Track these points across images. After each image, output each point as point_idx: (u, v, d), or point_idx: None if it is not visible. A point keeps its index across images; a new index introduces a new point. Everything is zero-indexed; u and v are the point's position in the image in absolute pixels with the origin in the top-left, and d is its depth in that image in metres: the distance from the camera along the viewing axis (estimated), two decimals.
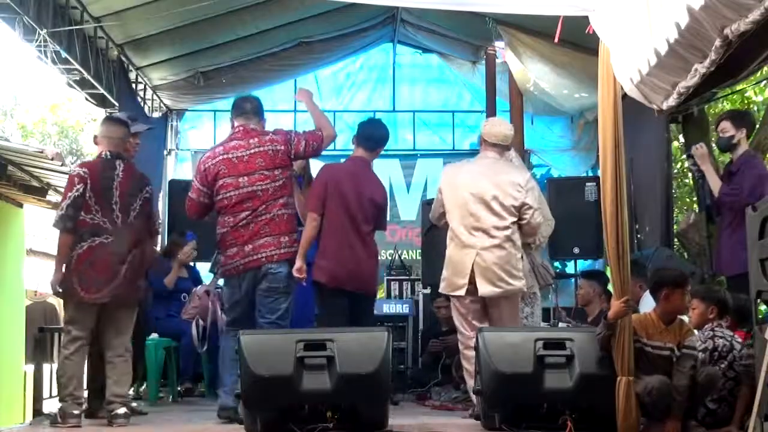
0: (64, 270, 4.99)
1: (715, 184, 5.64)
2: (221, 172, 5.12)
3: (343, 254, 5.46)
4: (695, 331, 4.62)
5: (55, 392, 6.18)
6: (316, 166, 6.05)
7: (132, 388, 6.15)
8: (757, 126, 7.37)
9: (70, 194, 4.97)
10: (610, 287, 6.56)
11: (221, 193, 5.13)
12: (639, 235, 8.12)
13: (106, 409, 4.99)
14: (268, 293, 5.08)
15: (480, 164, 5.46)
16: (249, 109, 5.30)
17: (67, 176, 7.02)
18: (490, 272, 5.20)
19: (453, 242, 5.35)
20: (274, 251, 5.06)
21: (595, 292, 6.50)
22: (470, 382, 5.24)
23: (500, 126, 5.60)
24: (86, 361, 5.20)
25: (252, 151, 5.14)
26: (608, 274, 7.12)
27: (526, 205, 5.30)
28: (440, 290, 5.57)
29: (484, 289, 5.20)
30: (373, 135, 5.78)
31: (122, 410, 4.92)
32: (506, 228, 5.25)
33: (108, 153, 5.14)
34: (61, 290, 5.01)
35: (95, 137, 5.32)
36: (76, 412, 4.92)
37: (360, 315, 5.49)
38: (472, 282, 5.21)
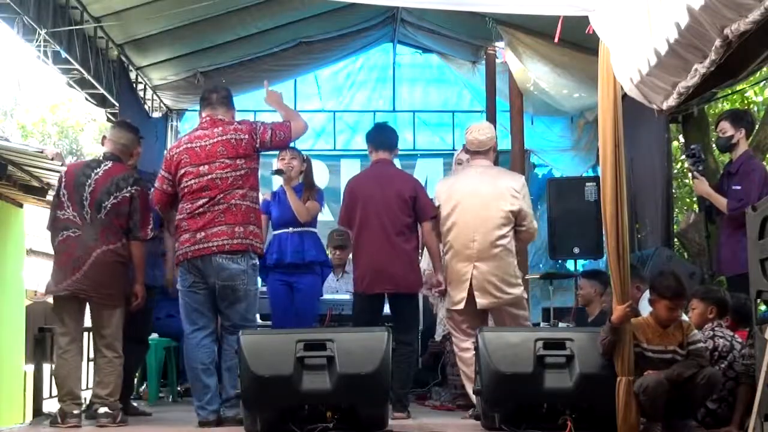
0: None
1: (720, 203, 5.64)
2: (183, 161, 5.06)
3: (369, 259, 5.46)
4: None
5: (55, 392, 6.20)
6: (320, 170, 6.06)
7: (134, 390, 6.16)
8: (757, 126, 7.38)
9: (53, 194, 5.24)
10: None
11: (183, 182, 5.06)
12: (639, 235, 8.13)
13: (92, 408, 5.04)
14: (225, 292, 4.96)
15: (473, 174, 5.44)
16: (215, 100, 5.21)
17: None
18: (487, 284, 5.21)
19: (449, 254, 5.33)
20: (226, 241, 4.93)
21: (596, 292, 6.50)
22: (468, 385, 5.27)
23: (475, 132, 5.51)
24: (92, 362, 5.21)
25: (215, 140, 5.06)
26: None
27: (523, 211, 5.29)
28: (445, 306, 5.55)
29: (483, 300, 5.21)
30: (386, 137, 5.78)
31: (102, 410, 4.91)
32: (503, 237, 5.24)
33: (105, 154, 5.26)
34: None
35: (104, 137, 5.47)
36: (75, 411, 4.92)
37: (397, 313, 5.53)
38: (470, 294, 5.22)
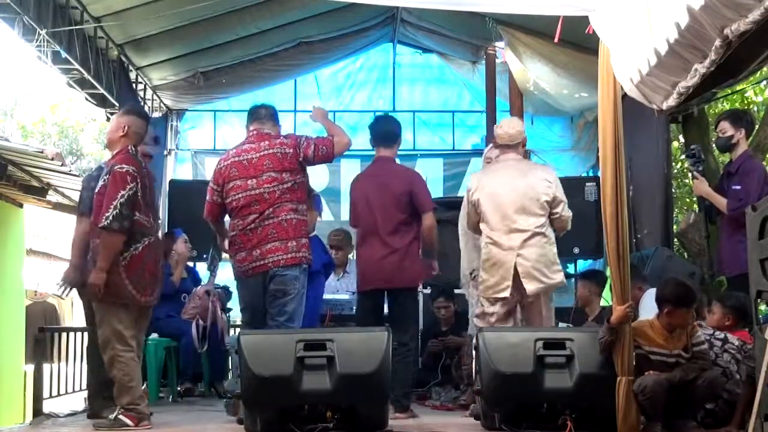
0: (109, 271, 4.71)
1: (720, 203, 5.64)
2: (232, 174, 5.14)
3: (366, 256, 5.61)
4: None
5: (54, 392, 6.20)
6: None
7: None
8: (757, 126, 7.37)
9: (123, 192, 4.71)
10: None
11: (231, 195, 5.14)
12: (639, 235, 8.12)
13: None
14: (276, 295, 5.07)
15: (506, 167, 5.50)
16: (263, 114, 5.33)
17: (67, 176, 7.07)
18: (534, 270, 5.26)
19: (490, 246, 5.34)
20: (281, 256, 5.04)
21: (592, 292, 6.52)
22: None
23: (506, 126, 5.63)
24: (88, 361, 5.17)
25: (261, 153, 5.14)
26: (608, 273, 7.16)
27: (557, 198, 5.37)
28: (480, 294, 5.44)
29: (531, 286, 5.24)
30: (386, 132, 5.85)
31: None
32: (542, 225, 5.32)
33: (134, 149, 4.96)
34: (108, 291, 4.73)
35: (126, 128, 4.94)
36: (147, 412, 4.85)
37: (392, 311, 5.61)
38: (515, 283, 5.25)
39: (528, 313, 5.37)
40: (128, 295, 4.77)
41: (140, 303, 4.84)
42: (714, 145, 6.72)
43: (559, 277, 5.35)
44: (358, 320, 5.78)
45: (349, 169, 9.54)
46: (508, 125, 5.64)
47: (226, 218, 5.33)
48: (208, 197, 5.25)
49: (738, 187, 5.56)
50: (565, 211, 5.40)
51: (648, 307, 5.10)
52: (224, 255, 5.97)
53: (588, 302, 6.58)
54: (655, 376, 4.30)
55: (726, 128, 5.68)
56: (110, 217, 4.68)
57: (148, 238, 4.86)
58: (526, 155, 8.57)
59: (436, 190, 10.40)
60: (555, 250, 5.37)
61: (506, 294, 5.26)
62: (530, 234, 5.28)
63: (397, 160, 6.23)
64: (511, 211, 5.30)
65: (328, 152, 5.20)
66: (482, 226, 5.41)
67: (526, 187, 5.34)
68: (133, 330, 4.86)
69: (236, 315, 7.77)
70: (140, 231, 4.81)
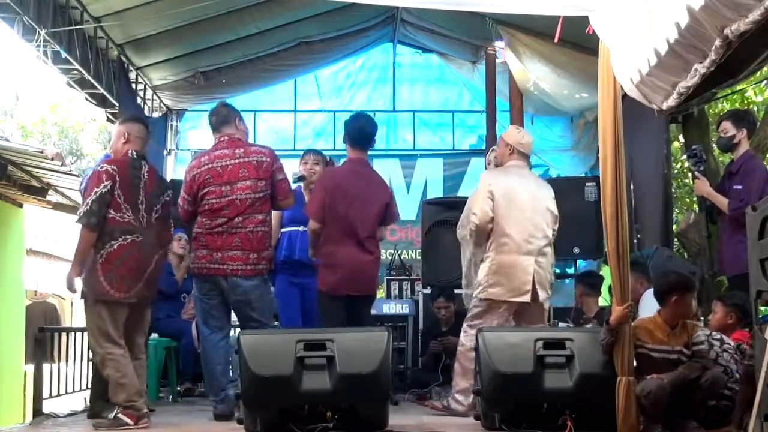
0: (88, 268, 4.86)
1: (721, 203, 5.64)
2: (207, 180, 5.19)
3: (343, 259, 5.45)
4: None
5: (54, 392, 6.20)
6: None
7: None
8: (758, 126, 7.36)
9: (96, 190, 4.82)
10: (604, 288, 6.65)
11: (204, 200, 5.20)
12: (638, 235, 8.12)
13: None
14: (240, 307, 5.22)
15: (522, 174, 5.51)
16: (229, 116, 5.36)
17: (67, 176, 7.07)
18: (546, 278, 5.35)
19: (506, 248, 5.29)
20: (241, 266, 5.14)
21: (583, 293, 6.74)
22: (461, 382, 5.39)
23: (526, 136, 5.66)
24: (90, 362, 5.17)
25: (236, 161, 5.20)
26: (602, 273, 7.21)
27: (557, 217, 5.50)
28: (484, 296, 5.31)
29: (543, 294, 5.32)
30: (364, 134, 5.69)
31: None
32: (551, 236, 5.43)
33: (134, 152, 5.06)
34: (85, 289, 4.92)
35: (128, 134, 5.07)
36: (145, 410, 4.87)
37: (359, 316, 5.50)
38: (534, 288, 5.28)
39: (527, 318, 5.37)
40: (102, 290, 4.83)
41: (114, 299, 4.85)
42: (715, 145, 6.71)
43: (550, 291, 5.46)
44: (323, 324, 5.49)
45: None
46: (526, 135, 5.68)
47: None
48: (181, 203, 5.31)
49: (739, 187, 5.55)
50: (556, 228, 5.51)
51: (648, 307, 5.11)
52: None
53: (582, 302, 6.69)
54: (658, 380, 4.30)
55: (728, 128, 5.68)
56: (80, 213, 4.85)
57: (129, 236, 4.89)
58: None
59: (436, 190, 10.42)
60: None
61: (527, 298, 5.27)
62: (546, 243, 5.37)
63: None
64: (529, 215, 5.33)
65: (287, 192, 5.31)
66: (498, 225, 5.30)
67: (543, 198, 5.43)
68: (121, 329, 4.88)
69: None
70: (118, 228, 4.86)
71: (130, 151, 5.05)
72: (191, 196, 5.24)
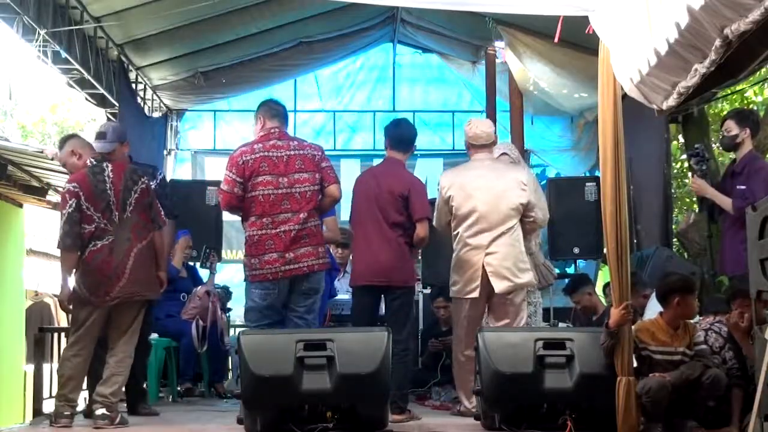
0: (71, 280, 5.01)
1: (724, 202, 5.62)
2: (261, 168, 5.04)
3: (363, 251, 5.50)
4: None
5: (54, 392, 6.19)
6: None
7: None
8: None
9: (64, 211, 4.96)
10: (599, 288, 6.67)
11: (258, 190, 5.03)
12: (638, 235, 8.13)
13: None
14: (308, 294, 5.10)
15: (480, 167, 5.48)
16: (283, 114, 5.31)
17: (67, 176, 7.06)
18: (501, 269, 5.27)
19: (460, 246, 5.37)
20: (314, 261, 5.06)
21: (580, 301, 6.73)
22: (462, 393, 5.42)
23: (481, 125, 5.62)
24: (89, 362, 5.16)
25: (292, 152, 5.10)
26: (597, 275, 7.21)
27: (531, 203, 5.38)
28: (452, 295, 5.51)
29: (500, 285, 5.25)
30: (402, 137, 5.72)
31: (100, 411, 4.87)
32: (512, 228, 5.33)
33: (92, 160, 5.11)
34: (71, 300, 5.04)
35: (75, 152, 5.23)
36: (67, 413, 4.91)
37: (389, 309, 5.51)
38: (483, 282, 5.26)
39: (496, 314, 5.36)
40: (79, 294, 4.95)
41: (94, 304, 4.92)
42: (715, 145, 6.71)
43: (527, 276, 5.36)
44: (353, 316, 5.68)
45: (349, 169, 9.56)
46: (482, 124, 5.64)
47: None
48: (226, 188, 5.08)
49: (743, 187, 5.52)
50: (537, 215, 5.44)
51: (653, 310, 5.11)
52: (223, 255, 5.96)
53: (587, 306, 6.72)
54: (659, 378, 4.30)
55: (731, 127, 5.65)
56: (57, 238, 5.02)
57: (99, 241, 4.94)
58: (525, 155, 8.61)
59: (436, 190, 10.41)
60: (523, 249, 5.38)
61: (475, 294, 5.27)
62: (498, 233, 5.30)
63: None
64: (486, 212, 5.31)
65: (334, 178, 5.20)
66: (455, 223, 5.40)
67: (501, 189, 5.35)
68: (89, 332, 4.94)
69: (236, 315, 7.78)
70: (90, 238, 4.95)
71: (88, 161, 5.11)
72: (243, 179, 5.03)
